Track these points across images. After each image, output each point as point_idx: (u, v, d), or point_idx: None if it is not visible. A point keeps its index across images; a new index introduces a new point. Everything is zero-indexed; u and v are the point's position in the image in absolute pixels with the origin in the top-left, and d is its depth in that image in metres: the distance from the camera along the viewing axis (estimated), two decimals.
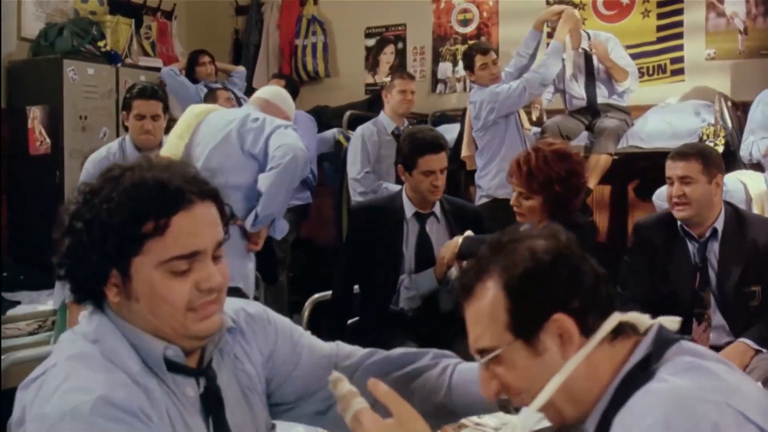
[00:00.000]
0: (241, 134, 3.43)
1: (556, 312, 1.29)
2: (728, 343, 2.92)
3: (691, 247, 3.03)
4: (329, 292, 3.71)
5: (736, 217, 3.03)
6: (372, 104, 6.41)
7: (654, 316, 2.96)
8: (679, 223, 3.05)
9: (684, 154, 3.03)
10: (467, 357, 3.08)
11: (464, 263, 3.09)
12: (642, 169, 5.30)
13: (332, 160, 6.05)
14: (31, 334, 4.22)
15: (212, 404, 1.46)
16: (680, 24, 5.85)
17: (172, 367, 1.40)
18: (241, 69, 6.89)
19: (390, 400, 1.35)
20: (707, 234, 3.01)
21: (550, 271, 1.31)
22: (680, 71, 5.86)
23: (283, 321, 1.67)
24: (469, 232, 3.27)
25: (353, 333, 3.46)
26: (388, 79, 5.29)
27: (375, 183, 5.08)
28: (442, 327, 3.36)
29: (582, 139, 5.22)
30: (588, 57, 5.24)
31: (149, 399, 1.33)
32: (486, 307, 1.34)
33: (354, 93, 6.90)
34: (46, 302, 4.39)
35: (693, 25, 5.82)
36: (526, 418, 1.34)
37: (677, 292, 2.99)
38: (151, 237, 1.33)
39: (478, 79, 4.92)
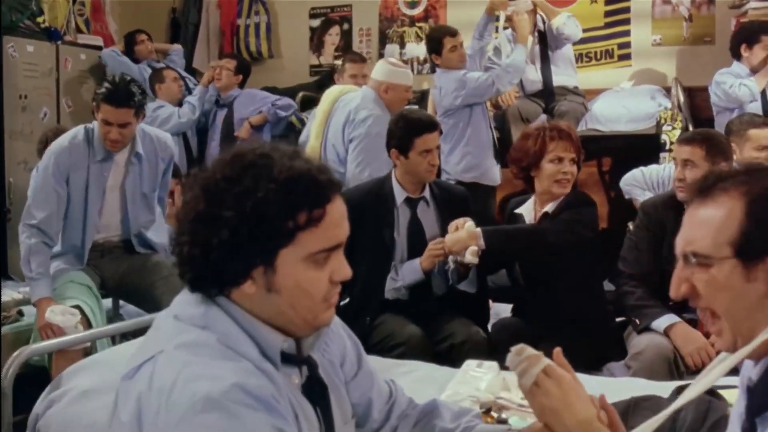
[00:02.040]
0: None
1: None
2: None
3: None
4: None
5: None
6: (321, 85, 6.32)
7: (660, 294, 3.05)
8: (686, 205, 3.11)
9: (690, 139, 3.12)
10: (459, 338, 3.13)
11: (476, 249, 3.10)
12: (600, 151, 5.41)
13: (287, 142, 5.92)
14: None
15: (317, 392, 1.46)
16: (627, 10, 6.00)
17: (282, 356, 1.39)
18: (178, 47, 6.72)
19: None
20: None
21: None
22: (627, 56, 6.02)
23: (353, 336, 1.69)
24: (470, 222, 3.24)
25: (344, 316, 3.39)
26: (339, 63, 5.21)
27: None
28: (435, 310, 3.37)
29: (541, 122, 5.27)
30: (543, 41, 5.30)
31: (275, 386, 1.31)
32: (719, 215, 1.33)
33: (298, 74, 6.79)
34: None
35: (640, 12, 5.99)
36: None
37: None
38: (303, 228, 1.31)
39: (446, 62, 4.91)
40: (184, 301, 1.38)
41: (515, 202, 3.42)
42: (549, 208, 3.20)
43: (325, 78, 6.43)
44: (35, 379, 3.57)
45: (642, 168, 4.23)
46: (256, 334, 1.34)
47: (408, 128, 3.33)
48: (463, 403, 2.33)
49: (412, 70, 6.58)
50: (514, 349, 1.47)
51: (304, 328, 1.38)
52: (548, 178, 3.18)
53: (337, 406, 1.51)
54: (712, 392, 2.10)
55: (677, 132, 4.87)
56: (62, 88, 5.76)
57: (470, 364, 2.58)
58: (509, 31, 5.27)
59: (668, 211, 3.16)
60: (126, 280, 3.68)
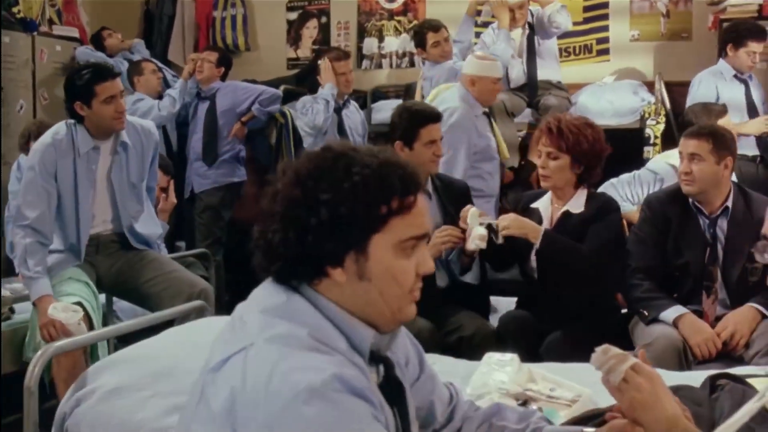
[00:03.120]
0: None
1: None
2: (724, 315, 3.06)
3: (702, 223, 3.15)
4: None
5: (743, 196, 3.17)
6: (301, 79, 6.30)
7: (666, 286, 3.10)
8: (690, 199, 3.16)
9: (697, 133, 3.16)
10: (468, 330, 3.14)
11: (484, 234, 3.10)
12: None
13: (265, 136, 5.89)
14: None
15: (395, 392, 1.46)
16: (606, 5, 6.08)
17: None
18: (138, 40, 6.57)
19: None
20: (718, 211, 3.14)
21: None
22: (606, 51, 6.10)
23: (414, 339, 1.71)
24: (474, 209, 3.24)
25: None
26: (321, 62, 5.17)
27: None
28: (439, 303, 3.37)
29: (526, 116, 5.33)
30: (530, 35, 5.34)
31: (368, 379, 1.33)
32: None
33: (275, 67, 6.74)
34: None
35: (618, 7, 6.07)
36: None
37: (689, 265, 3.11)
38: (396, 214, 1.34)
39: (430, 56, 4.93)
40: (267, 294, 1.39)
41: (530, 195, 3.43)
42: (569, 206, 3.21)
43: (304, 71, 6.40)
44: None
45: (612, 181, 4.19)
46: (345, 327, 1.35)
47: (412, 120, 3.34)
48: (491, 395, 2.35)
49: (390, 65, 6.64)
50: (599, 348, 1.53)
51: (389, 321, 1.39)
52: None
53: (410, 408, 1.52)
54: (743, 381, 2.15)
55: (661, 126, 4.97)
56: (38, 80, 5.64)
57: (491, 357, 2.59)
58: (496, 24, 5.31)
59: (673, 205, 3.21)
60: (122, 277, 3.62)
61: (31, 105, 5.52)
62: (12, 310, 3.75)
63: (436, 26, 5.02)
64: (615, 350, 1.52)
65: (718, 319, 3.06)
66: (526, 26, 5.34)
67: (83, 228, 3.46)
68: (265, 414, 1.21)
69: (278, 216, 1.34)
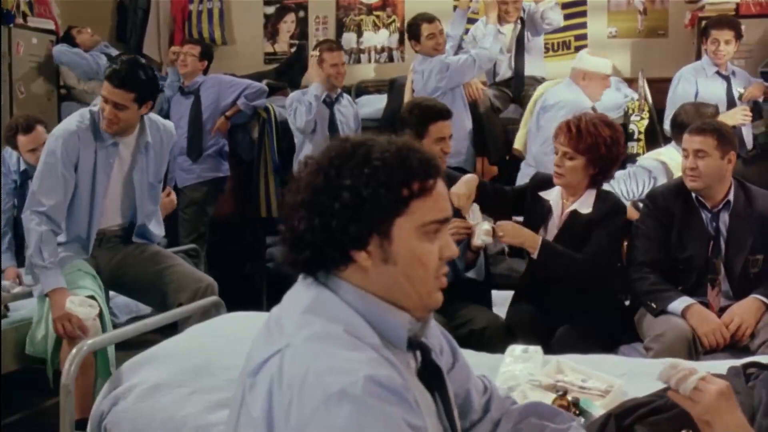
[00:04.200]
0: None
1: None
2: (729, 306, 3.13)
3: (705, 216, 3.23)
4: None
5: (743, 190, 3.25)
6: (281, 73, 6.27)
7: (672, 279, 3.17)
8: (693, 194, 3.23)
9: (702, 129, 3.22)
10: (479, 323, 3.18)
11: (489, 228, 3.13)
12: None
13: (247, 131, 5.85)
14: None
15: (434, 377, 1.47)
16: (584, 2, 6.19)
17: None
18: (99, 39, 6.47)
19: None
20: (720, 205, 3.22)
21: None
22: (584, 48, 6.15)
23: (444, 329, 1.71)
24: (475, 205, 3.26)
25: None
26: (315, 53, 5.16)
27: None
28: (446, 297, 3.39)
29: (511, 111, 5.38)
30: (521, 30, 5.39)
31: (400, 376, 1.32)
32: None
33: (252, 62, 6.71)
34: None
35: (596, 4, 6.18)
36: None
37: (693, 258, 3.18)
38: (417, 197, 1.36)
39: (423, 48, 4.95)
40: (298, 293, 1.40)
41: (542, 178, 3.39)
42: (578, 206, 3.21)
43: (284, 66, 6.38)
44: (30, 379, 3.48)
45: None
46: (377, 317, 1.36)
47: (423, 115, 3.34)
48: (522, 387, 2.39)
49: (369, 60, 6.64)
50: (668, 363, 1.67)
51: (418, 306, 1.40)
52: None
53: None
54: None
55: (645, 122, 5.05)
56: (15, 75, 5.53)
57: (514, 349, 2.62)
58: (485, 18, 5.35)
59: (676, 200, 3.27)
60: (121, 270, 3.57)
61: (7, 98, 5.40)
62: (7, 308, 3.67)
63: (430, 18, 5.05)
64: (683, 363, 1.67)
65: (722, 310, 3.14)
66: (518, 21, 5.39)
67: (94, 222, 3.41)
68: (296, 415, 1.21)
69: (303, 205, 1.36)
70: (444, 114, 3.38)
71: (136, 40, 6.74)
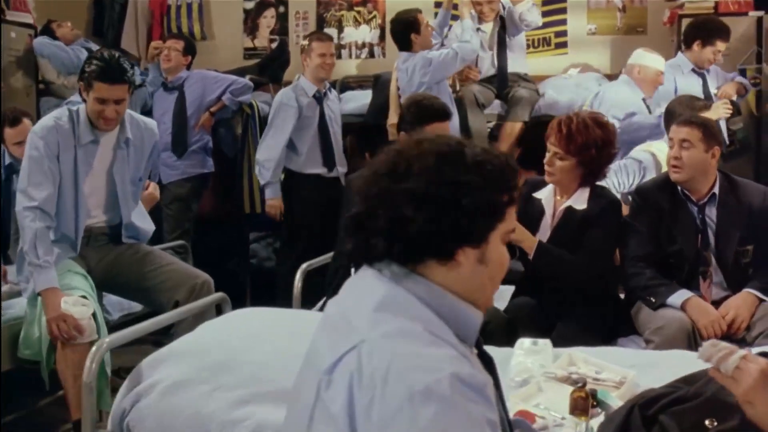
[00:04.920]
0: None
1: None
2: (725, 298, 3.21)
3: (692, 210, 3.29)
4: (320, 260, 3.71)
5: (729, 183, 3.32)
6: (263, 68, 6.25)
7: (664, 273, 3.22)
8: (679, 187, 3.30)
9: (689, 121, 3.29)
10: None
11: None
12: None
13: (230, 127, 5.83)
14: None
15: (489, 368, 1.47)
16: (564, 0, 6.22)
17: None
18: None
19: None
20: (706, 198, 3.28)
21: None
22: (564, 44, 6.27)
23: None
24: None
25: None
26: (305, 42, 5.16)
27: (278, 171, 5.05)
28: None
29: (495, 107, 5.42)
30: (501, 27, 5.43)
31: (480, 372, 1.32)
32: None
33: (232, 57, 6.67)
34: None
35: (576, 2, 6.23)
36: None
37: (683, 251, 3.24)
38: (510, 204, 1.41)
39: (423, 39, 5.03)
40: (367, 288, 1.38)
41: (534, 182, 3.43)
42: (572, 202, 3.23)
43: (266, 61, 6.35)
44: (23, 378, 3.44)
45: None
46: (453, 315, 1.36)
47: (419, 115, 3.37)
48: (537, 379, 2.42)
49: (350, 56, 6.64)
50: (707, 343, 1.67)
51: (486, 305, 1.44)
52: None
53: None
54: None
55: None
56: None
57: (524, 342, 2.66)
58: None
59: (662, 194, 3.34)
60: (113, 271, 3.56)
61: None
62: None
63: (418, 9, 5.14)
64: (723, 344, 1.65)
65: (715, 302, 3.20)
66: (498, 19, 5.43)
67: (81, 219, 3.39)
68: (380, 413, 1.20)
69: (415, 195, 1.34)
70: (442, 115, 3.40)
71: (113, 34, 6.66)
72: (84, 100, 3.39)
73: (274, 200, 5.04)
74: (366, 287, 1.38)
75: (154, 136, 3.69)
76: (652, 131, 4.50)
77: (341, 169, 5.27)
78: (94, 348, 2.22)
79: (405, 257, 1.37)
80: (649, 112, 4.77)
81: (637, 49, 4.90)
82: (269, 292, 5.18)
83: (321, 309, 3.44)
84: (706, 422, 1.91)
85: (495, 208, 1.38)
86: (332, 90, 5.32)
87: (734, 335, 3.10)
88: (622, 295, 3.49)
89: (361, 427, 1.21)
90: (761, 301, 3.15)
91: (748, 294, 3.16)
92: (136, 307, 4.05)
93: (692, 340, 3.06)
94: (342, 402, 1.24)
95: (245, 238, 6.03)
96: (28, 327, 3.27)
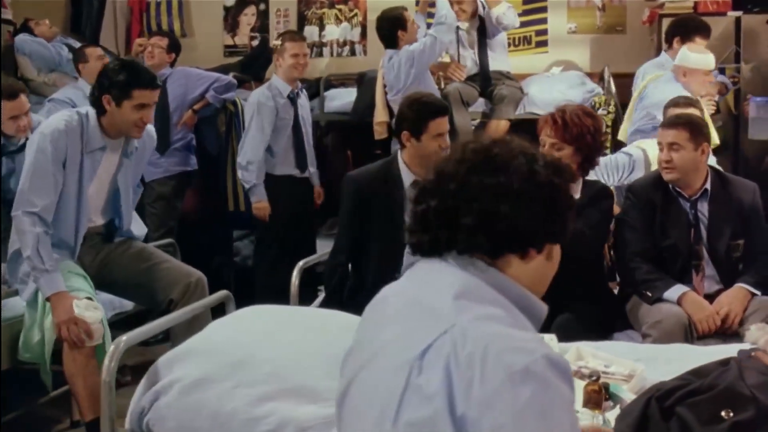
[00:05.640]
0: None
1: None
2: (718, 291, 3.29)
3: (684, 205, 3.36)
4: (315, 258, 3.72)
5: (720, 179, 3.40)
6: (246, 66, 6.23)
7: (658, 267, 3.28)
8: (670, 184, 3.36)
9: (674, 123, 3.37)
10: None
11: None
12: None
13: (213, 124, 5.79)
14: None
15: None
16: None
17: None
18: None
19: None
20: (697, 194, 3.35)
21: None
22: (544, 43, 6.34)
23: None
24: None
25: (355, 297, 3.42)
26: (277, 42, 5.15)
27: (261, 173, 5.02)
28: None
29: (479, 105, 5.47)
30: (482, 25, 5.48)
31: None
32: None
33: (212, 54, 6.65)
34: None
35: (556, 0, 6.31)
36: None
37: (677, 245, 3.31)
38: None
39: (410, 35, 5.04)
40: (446, 278, 1.41)
41: None
42: None
43: (249, 59, 6.34)
44: (21, 378, 3.41)
45: None
46: (525, 305, 1.41)
47: (422, 111, 3.38)
48: None
49: (332, 53, 6.64)
50: (754, 326, 1.75)
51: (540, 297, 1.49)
52: None
53: None
54: None
55: (612, 116, 5.20)
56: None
57: None
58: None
59: (655, 190, 3.41)
60: (106, 269, 3.53)
61: None
62: None
63: (405, 7, 5.16)
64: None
65: (707, 295, 3.27)
66: (477, 18, 5.47)
67: (81, 226, 3.36)
68: (479, 392, 1.24)
69: (510, 192, 1.40)
70: (442, 110, 3.43)
71: (91, 31, 6.60)
72: (101, 109, 3.32)
73: (261, 203, 5.02)
74: (440, 277, 1.42)
75: (153, 142, 3.70)
76: None
77: (312, 169, 5.27)
78: (112, 347, 2.22)
79: (488, 250, 1.42)
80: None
81: (682, 49, 4.76)
82: (253, 290, 5.17)
83: (321, 305, 3.45)
84: (722, 413, 1.97)
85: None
86: (303, 90, 5.29)
87: (728, 330, 3.18)
88: (616, 291, 3.56)
89: (461, 405, 1.24)
90: (753, 295, 3.23)
91: (740, 289, 3.23)
92: (128, 305, 4.02)
93: (689, 333, 3.13)
94: (438, 383, 1.27)
95: (229, 236, 6.01)
96: (27, 330, 3.23)
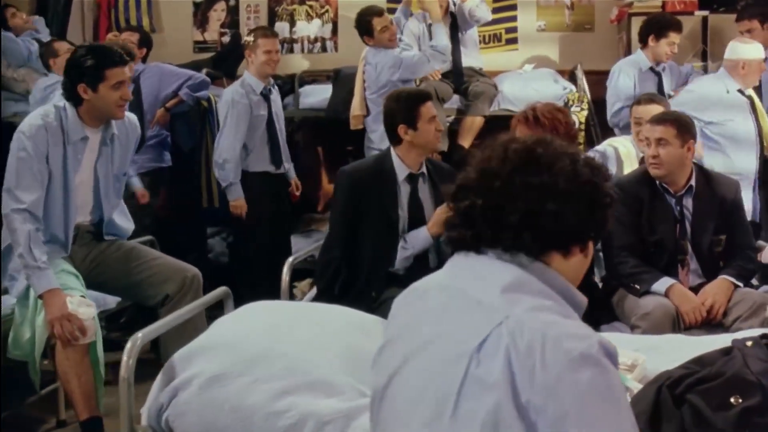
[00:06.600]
0: None
1: None
2: (701, 284, 3.39)
3: (670, 201, 3.45)
4: (303, 254, 3.74)
5: (703, 176, 3.50)
6: (218, 62, 6.20)
7: (645, 261, 3.37)
8: (657, 180, 3.45)
9: (662, 119, 3.45)
10: None
11: None
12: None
13: (186, 120, 5.76)
14: None
15: None
16: None
17: None
18: (37, 17, 6.25)
19: None
20: (683, 190, 3.45)
21: None
22: (514, 41, 6.43)
23: None
24: None
25: (350, 290, 3.44)
26: (249, 39, 5.14)
27: (238, 170, 5.02)
28: None
29: (454, 102, 5.53)
30: (453, 22, 5.53)
31: None
32: None
33: (182, 51, 6.59)
34: None
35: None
36: None
37: (663, 240, 3.40)
38: None
39: (379, 42, 5.03)
40: (495, 272, 1.45)
41: None
42: None
43: (221, 55, 6.31)
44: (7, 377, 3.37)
45: None
46: (571, 296, 1.48)
47: (410, 100, 3.46)
48: None
49: (303, 50, 6.65)
50: None
51: None
52: None
53: None
54: None
55: (585, 113, 5.30)
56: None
57: None
58: (420, 13, 5.48)
59: (642, 186, 3.49)
60: (98, 268, 3.51)
61: None
62: None
63: (379, 11, 5.14)
64: None
65: (692, 288, 3.37)
66: (449, 15, 5.53)
67: (71, 220, 3.33)
68: (542, 379, 1.29)
69: (556, 191, 1.45)
70: (427, 95, 3.54)
71: (58, 26, 6.46)
72: (79, 102, 3.30)
73: (238, 200, 5.02)
74: (488, 271, 1.46)
75: (137, 131, 3.66)
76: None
77: (287, 165, 5.28)
78: (129, 344, 2.21)
79: (533, 247, 1.46)
80: (751, 101, 4.74)
81: (731, 43, 4.74)
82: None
83: (313, 299, 3.48)
84: (732, 399, 2.04)
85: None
86: (276, 86, 5.28)
87: (713, 320, 3.28)
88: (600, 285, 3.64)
89: (526, 392, 1.29)
90: (736, 286, 3.34)
91: (723, 280, 3.33)
92: (111, 302, 3.99)
93: (676, 324, 3.22)
94: (499, 373, 1.32)
95: (203, 232, 5.98)
96: (18, 328, 3.21)
